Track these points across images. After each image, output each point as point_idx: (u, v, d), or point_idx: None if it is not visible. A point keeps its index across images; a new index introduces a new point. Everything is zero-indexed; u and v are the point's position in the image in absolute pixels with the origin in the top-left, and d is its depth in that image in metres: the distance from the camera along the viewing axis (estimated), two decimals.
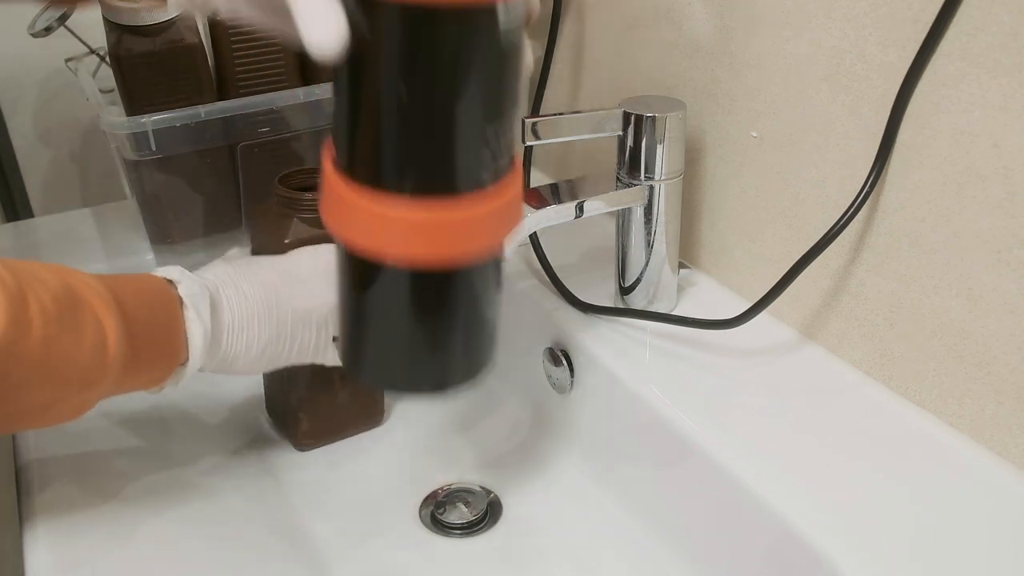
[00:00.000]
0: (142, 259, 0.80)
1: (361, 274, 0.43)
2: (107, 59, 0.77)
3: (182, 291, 0.53)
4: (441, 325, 0.44)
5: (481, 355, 0.46)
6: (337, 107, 0.41)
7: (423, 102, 0.39)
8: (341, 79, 0.40)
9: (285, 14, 0.41)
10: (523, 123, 0.59)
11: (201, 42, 0.72)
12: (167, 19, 0.70)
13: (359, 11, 0.38)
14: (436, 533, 0.59)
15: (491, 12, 0.38)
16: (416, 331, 0.44)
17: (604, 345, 0.63)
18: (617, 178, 0.63)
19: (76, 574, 0.51)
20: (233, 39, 0.72)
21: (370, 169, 0.40)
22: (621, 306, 0.66)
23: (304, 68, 0.77)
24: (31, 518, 0.55)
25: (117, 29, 0.69)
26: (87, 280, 0.49)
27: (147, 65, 0.70)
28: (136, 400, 0.68)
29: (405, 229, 0.40)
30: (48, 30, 0.76)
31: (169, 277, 0.53)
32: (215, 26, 0.72)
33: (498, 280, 0.45)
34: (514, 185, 0.42)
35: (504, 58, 0.40)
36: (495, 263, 0.44)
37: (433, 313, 0.43)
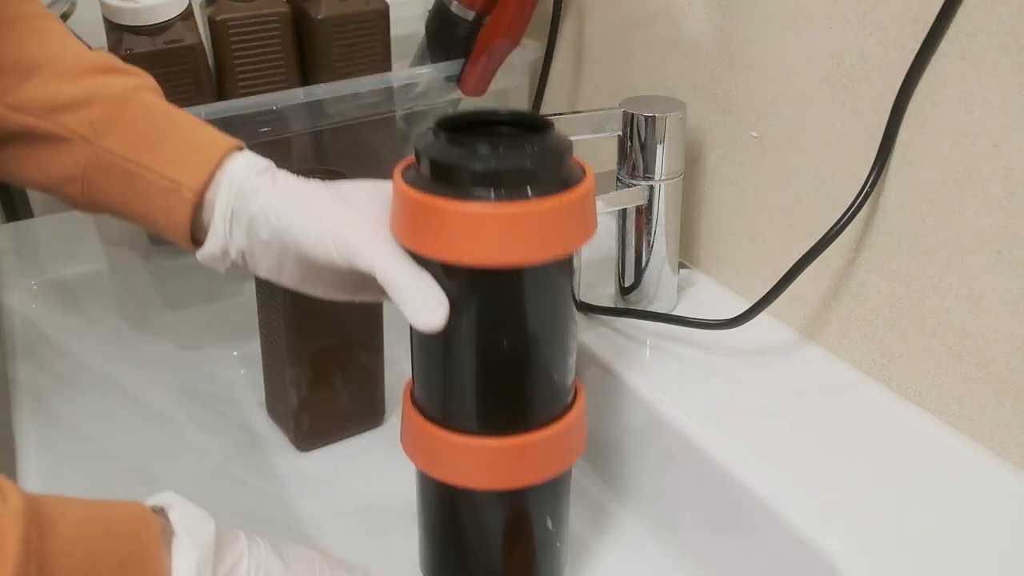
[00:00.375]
0: (142, 259, 0.80)
1: (450, 501, 0.49)
2: None
3: (173, 516, 0.40)
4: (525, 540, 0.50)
5: (552, 565, 0.52)
6: (423, 361, 0.47)
7: (511, 356, 0.45)
8: (431, 342, 0.45)
9: (364, 286, 0.46)
10: None
11: (201, 42, 0.72)
12: (167, 19, 0.70)
13: (448, 279, 0.43)
14: None
15: (567, 262, 0.45)
16: (501, 547, 0.49)
17: (604, 345, 0.63)
18: (617, 178, 0.63)
19: None
20: (233, 39, 0.72)
21: (462, 418, 0.46)
22: (621, 306, 0.66)
23: (304, 68, 0.77)
24: None
25: (117, 29, 0.69)
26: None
27: (147, 65, 0.69)
28: (136, 400, 0.68)
29: (493, 465, 0.46)
30: None
31: (160, 504, 0.41)
32: (215, 26, 0.72)
33: (567, 493, 0.51)
34: (575, 411, 0.48)
35: (574, 299, 0.46)
36: (567, 481, 0.50)
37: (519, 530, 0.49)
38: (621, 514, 0.61)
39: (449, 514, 0.50)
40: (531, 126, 0.45)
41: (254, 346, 0.77)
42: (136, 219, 0.50)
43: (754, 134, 0.62)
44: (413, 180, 0.43)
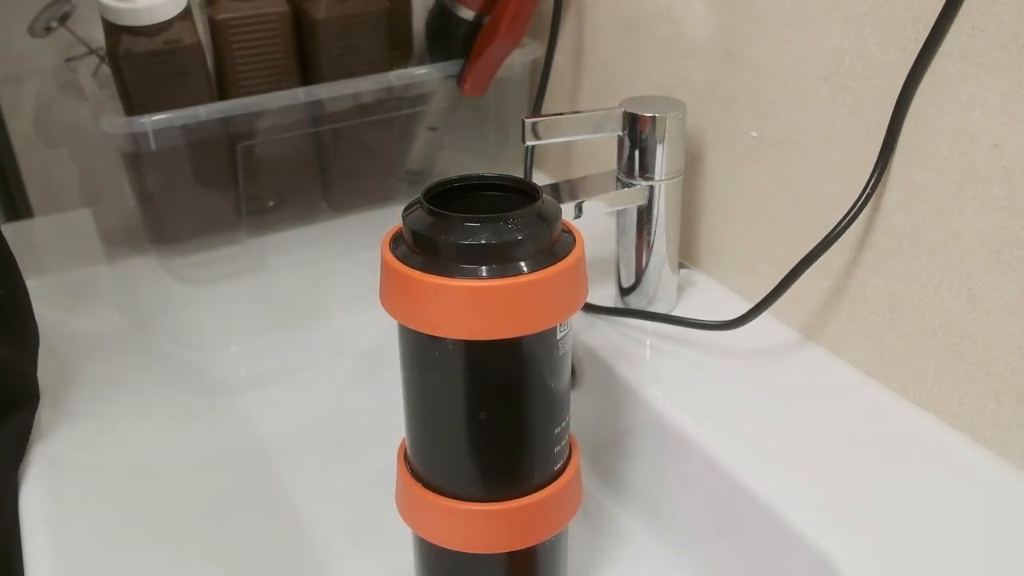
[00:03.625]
0: (142, 259, 0.80)
1: (443, 561, 0.49)
2: (107, 59, 0.77)
3: None
4: None
5: None
6: (416, 428, 0.47)
7: (501, 424, 0.45)
8: (424, 410, 0.46)
9: None
10: (523, 123, 0.59)
11: (199, 42, 0.72)
12: (165, 19, 0.69)
13: (437, 350, 0.43)
14: None
15: (553, 332, 0.44)
16: None
17: (604, 345, 0.63)
18: (617, 178, 0.63)
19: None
20: (233, 39, 0.72)
21: (457, 484, 0.46)
22: (621, 306, 0.66)
23: (304, 68, 0.77)
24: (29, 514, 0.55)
25: (116, 30, 0.69)
26: None
27: (146, 65, 0.70)
28: (136, 400, 0.68)
29: (489, 530, 0.47)
30: (48, 30, 0.76)
31: None
32: (215, 26, 0.72)
33: (564, 548, 0.51)
34: (570, 471, 0.48)
35: (565, 366, 0.47)
36: (564, 538, 0.51)
37: None
38: (621, 514, 0.61)
39: (446, 573, 0.50)
40: (520, 192, 0.45)
41: (254, 346, 0.77)
42: None
43: (754, 134, 0.62)
44: (401, 252, 0.43)
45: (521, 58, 0.81)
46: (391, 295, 0.43)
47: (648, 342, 0.63)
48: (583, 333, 0.64)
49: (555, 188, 0.62)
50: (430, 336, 0.43)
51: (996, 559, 0.46)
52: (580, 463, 0.50)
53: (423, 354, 0.44)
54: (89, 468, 0.60)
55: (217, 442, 0.65)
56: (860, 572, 0.45)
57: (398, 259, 0.43)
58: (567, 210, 0.60)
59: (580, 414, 0.65)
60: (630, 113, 0.60)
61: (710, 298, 0.68)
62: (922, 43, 0.49)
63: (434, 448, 0.46)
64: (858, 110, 0.55)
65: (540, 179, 0.87)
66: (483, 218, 0.41)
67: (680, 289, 0.67)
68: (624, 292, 0.66)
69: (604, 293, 0.68)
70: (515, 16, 0.75)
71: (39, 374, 0.62)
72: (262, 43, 0.74)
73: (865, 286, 0.57)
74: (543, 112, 0.77)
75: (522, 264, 0.42)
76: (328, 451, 0.66)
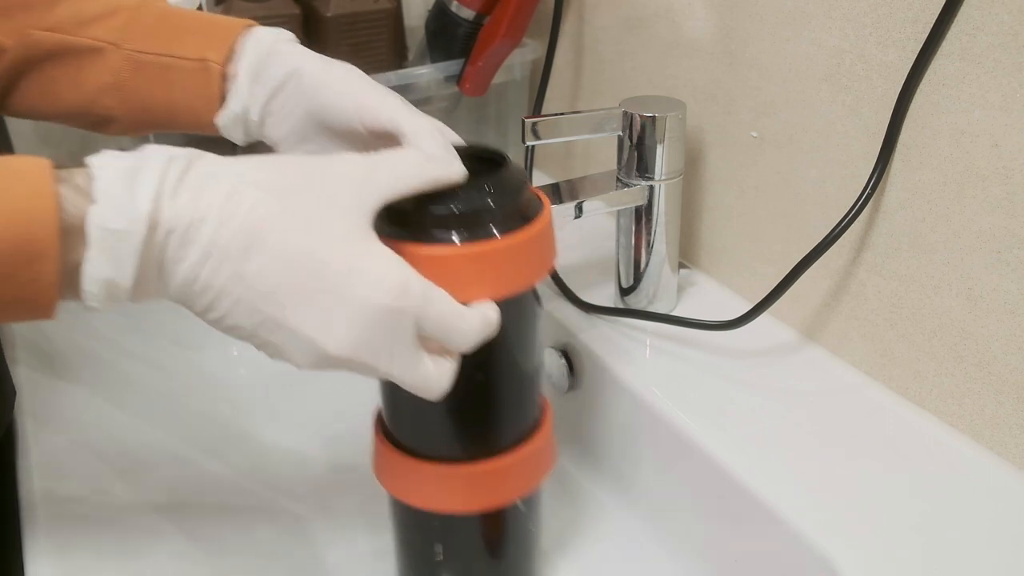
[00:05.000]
0: None
1: (421, 523, 0.50)
2: None
3: (92, 217, 0.35)
4: (498, 553, 0.51)
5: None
6: (391, 393, 0.48)
7: (476, 386, 0.45)
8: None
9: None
10: (523, 123, 0.59)
11: None
12: None
13: None
14: None
15: (528, 295, 0.46)
16: (476, 566, 0.51)
17: (604, 345, 0.63)
18: (617, 178, 0.63)
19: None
20: None
21: (433, 447, 0.47)
22: (621, 306, 0.66)
23: None
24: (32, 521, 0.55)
25: None
26: None
27: None
28: (136, 400, 0.68)
29: (464, 491, 0.47)
30: None
31: (90, 166, 0.36)
32: None
33: (537, 516, 0.52)
34: (543, 432, 0.49)
35: (538, 330, 0.48)
36: (539, 497, 0.52)
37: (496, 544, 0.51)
38: (621, 514, 0.61)
39: (423, 535, 0.50)
40: (488, 159, 0.46)
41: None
42: (172, 113, 0.52)
43: (754, 134, 0.62)
44: (376, 224, 0.42)
45: (521, 58, 0.81)
46: None
47: (648, 342, 0.63)
48: (583, 333, 0.64)
49: (555, 188, 0.62)
50: None
51: (996, 558, 0.46)
52: (552, 425, 0.50)
53: None
54: (88, 468, 0.60)
55: (217, 442, 0.65)
56: (860, 572, 0.45)
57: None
58: (567, 210, 0.60)
59: (580, 414, 0.65)
60: (630, 113, 0.60)
61: (710, 298, 0.68)
62: (922, 43, 0.49)
63: (408, 412, 0.47)
64: (858, 110, 0.55)
65: (540, 179, 0.87)
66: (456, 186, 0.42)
67: (680, 289, 0.67)
68: (624, 292, 0.66)
69: (604, 293, 0.68)
70: (515, 16, 0.75)
71: (35, 373, 0.62)
72: None
73: (865, 286, 0.57)
74: (543, 112, 0.77)
75: (493, 228, 0.42)
76: (328, 451, 0.66)
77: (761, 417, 0.55)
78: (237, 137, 0.52)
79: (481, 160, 0.46)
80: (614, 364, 0.61)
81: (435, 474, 0.47)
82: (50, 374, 0.67)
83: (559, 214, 0.60)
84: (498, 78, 0.79)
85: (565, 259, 0.70)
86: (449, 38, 0.77)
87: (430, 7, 0.79)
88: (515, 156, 0.81)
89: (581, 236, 0.75)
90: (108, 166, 0.36)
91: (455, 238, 0.41)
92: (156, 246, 0.36)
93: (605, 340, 0.63)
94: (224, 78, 0.50)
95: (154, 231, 0.35)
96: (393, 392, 0.47)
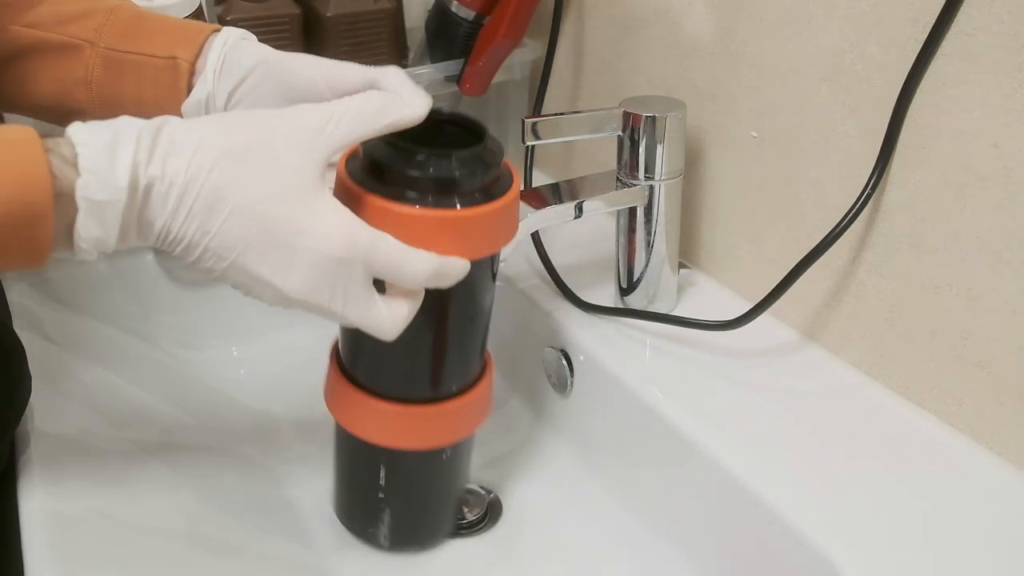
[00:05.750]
0: (143, 258, 0.80)
1: (363, 454, 0.54)
2: None
3: (81, 153, 0.40)
4: (427, 494, 0.56)
5: (427, 525, 0.57)
6: (351, 334, 0.51)
7: (433, 337, 0.50)
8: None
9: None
10: (523, 123, 0.59)
11: None
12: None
13: None
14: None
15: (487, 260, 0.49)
16: (401, 498, 0.55)
17: (604, 345, 0.63)
18: (617, 178, 0.63)
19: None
20: None
21: (375, 385, 0.51)
22: (621, 306, 0.66)
23: None
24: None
25: None
26: None
27: None
28: (136, 400, 0.68)
29: (395, 425, 0.52)
30: None
31: (72, 139, 0.40)
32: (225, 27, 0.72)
33: (458, 464, 0.56)
34: (484, 382, 0.53)
35: (491, 290, 0.52)
36: (466, 447, 0.56)
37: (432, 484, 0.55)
38: (621, 514, 0.61)
39: (366, 466, 0.55)
40: (471, 131, 0.49)
41: (254, 346, 0.77)
42: (140, 107, 0.54)
43: (754, 134, 0.62)
44: (353, 171, 0.47)
45: (521, 58, 0.81)
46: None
47: (648, 342, 0.63)
48: (583, 333, 0.64)
49: (555, 188, 0.62)
50: None
51: (996, 558, 0.46)
52: (493, 376, 0.55)
53: None
54: (88, 468, 0.60)
55: (217, 443, 0.65)
56: (860, 572, 0.45)
57: (349, 176, 0.46)
58: (567, 210, 0.60)
59: (580, 414, 0.65)
60: (630, 113, 0.60)
61: (710, 298, 0.68)
62: (922, 43, 0.49)
63: (373, 355, 0.51)
64: (858, 110, 0.55)
65: (540, 179, 0.87)
66: (429, 152, 0.45)
67: (680, 289, 0.67)
68: (624, 292, 0.66)
69: (604, 293, 0.68)
70: (515, 16, 0.75)
71: (33, 375, 0.62)
72: (271, 44, 0.73)
73: (865, 286, 0.57)
74: (543, 112, 0.77)
75: (456, 199, 0.45)
76: (328, 451, 0.66)
77: (761, 417, 0.55)
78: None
79: (465, 130, 0.49)
80: (614, 364, 0.61)
81: (379, 410, 0.51)
82: (50, 373, 0.67)
83: (559, 214, 0.60)
84: (498, 78, 0.79)
85: (565, 259, 0.70)
86: (449, 38, 0.77)
87: (430, 7, 0.79)
88: (515, 156, 0.82)
89: (581, 236, 0.75)
90: (89, 142, 0.40)
91: (420, 201, 0.45)
92: (135, 207, 0.41)
93: (605, 340, 0.63)
94: (192, 73, 0.53)
95: (133, 195, 0.40)
96: (349, 329, 0.51)
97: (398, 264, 0.44)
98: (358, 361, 0.52)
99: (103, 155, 0.40)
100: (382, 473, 0.54)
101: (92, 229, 0.40)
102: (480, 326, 0.52)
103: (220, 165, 0.41)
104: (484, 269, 0.50)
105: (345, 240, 0.42)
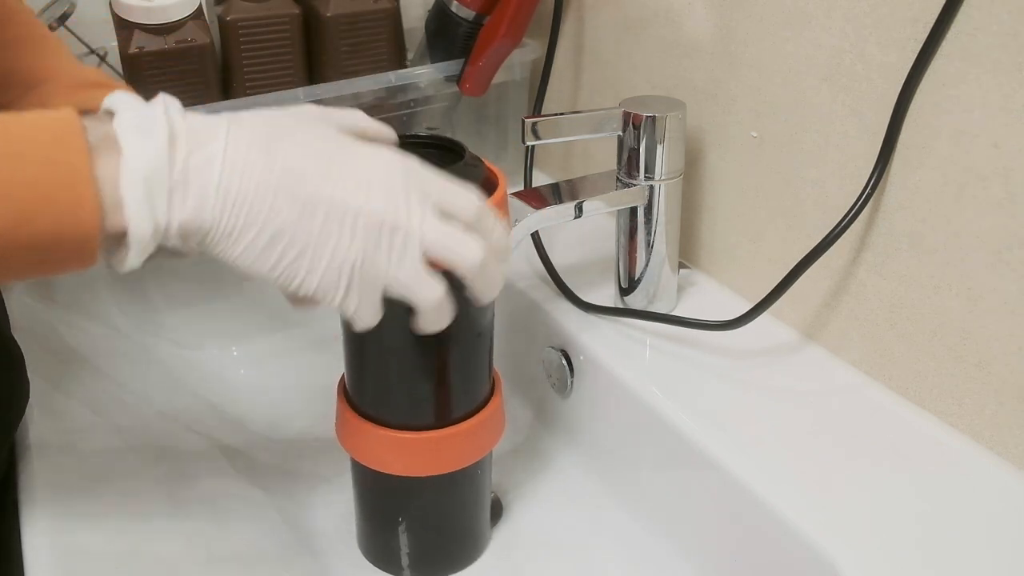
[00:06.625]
0: None
1: (374, 484, 0.54)
2: (107, 59, 0.77)
3: (118, 121, 0.38)
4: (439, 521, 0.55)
5: (458, 547, 0.57)
6: (356, 365, 0.52)
7: (438, 361, 0.50)
8: (364, 348, 0.50)
9: None
10: (523, 123, 0.59)
11: (212, 42, 0.72)
12: (179, 18, 0.70)
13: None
14: None
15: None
16: (412, 523, 0.55)
17: (604, 345, 0.63)
18: (617, 178, 0.63)
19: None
20: (243, 39, 0.72)
21: (385, 415, 0.51)
22: (621, 306, 0.66)
23: (312, 67, 0.77)
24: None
25: (128, 26, 0.69)
26: None
27: (157, 64, 0.70)
28: (136, 400, 0.68)
29: (408, 455, 0.52)
30: (49, 29, 0.76)
31: (108, 107, 0.40)
32: (225, 26, 0.72)
33: (479, 485, 0.56)
34: (494, 403, 0.53)
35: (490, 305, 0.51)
36: (483, 466, 0.55)
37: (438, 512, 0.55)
38: (621, 515, 0.61)
39: (383, 497, 0.55)
40: (451, 150, 0.50)
41: (254, 346, 0.77)
42: None
43: (754, 134, 0.62)
44: None
45: (521, 58, 0.81)
46: None
47: (648, 342, 0.63)
48: (583, 333, 0.64)
49: (555, 188, 0.62)
50: None
51: (996, 558, 0.46)
52: (502, 397, 0.54)
53: None
54: (88, 468, 0.60)
55: (218, 443, 0.65)
56: (860, 572, 0.45)
57: None
58: (567, 210, 0.60)
59: (580, 414, 0.65)
60: (630, 113, 0.60)
61: (710, 298, 0.68)
62: (922, 43, 0.49)
63: (371, 380, 0.51)
64: (858, 110, 0.55)
65: (540, 179, 0.87)
66: None
67: (680, 289, 0.67)
68: (624, 292, 0.66)
69: (604, 293, 0.68)
70: (515, 16, 0.75)
71: (33, 375, 0.62)
72: (271, 44, 0.74)
73: (865, 286, 0.57)
74: (543, 112, 0.77)
75: None
76: (329, 451, 0.66)
77: (761, 417, 0.55)
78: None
79: (446, 150, 0.50)
80: (614, 364, 0.61)
81: (389, 439, 0.51)
82: (50, 373, 0.67)
83: (559, 214, 0.60)
84: (498, 78, 0.79)
85: (565, 259, 0.70)
86: (449, 38, 0.77)
87: (430, 7, 0.79)
88: (515, 156, 0.82)
89: (581, 236, 0.75)
90: (132, 185, 0.37)
91: None
92: (171, 234, 0.39)
93: (605, 340, 0.63)
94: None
95: (168, 231, 0.39)
96: (355, 360, 0.52)
97: (452, 194, 0.43)
98: (366, 392, 0.52)
99: (145, 202, 0.38)
100: (402, 502, 0.54)
101: (136, 260, 0.39)
102: (485, 343, 0.52)
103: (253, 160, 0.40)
104: None
105: (399, 164, 0.42)
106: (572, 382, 0.65)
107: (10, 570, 0.53)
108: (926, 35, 0.49)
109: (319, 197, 0.40)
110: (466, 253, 0.43)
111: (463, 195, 0.43)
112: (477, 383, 0.53)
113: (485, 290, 0.45)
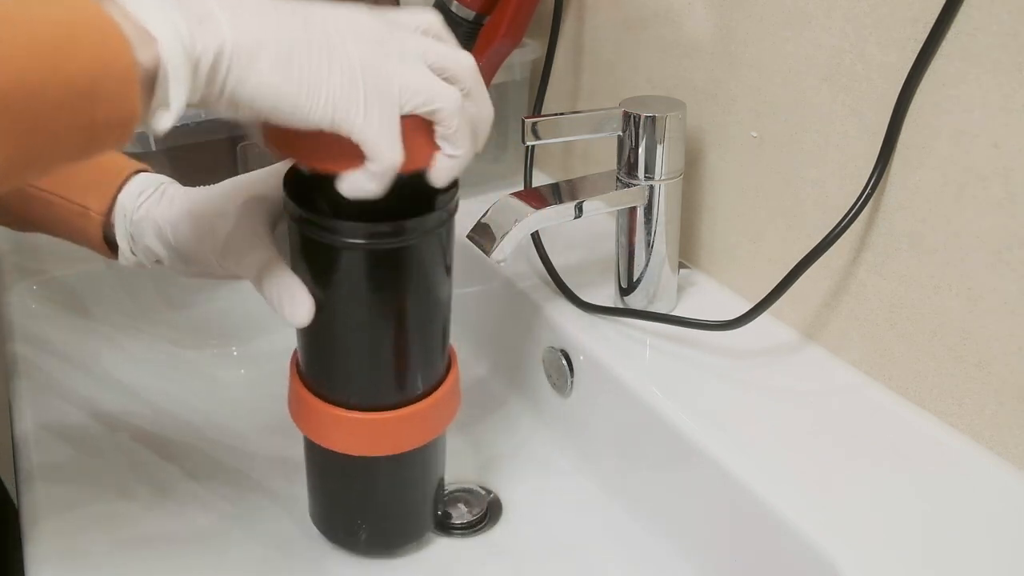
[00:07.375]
0: None
1: (327, 461, 0.54)
2: None
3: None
4: (387, 497, 0.55)
5: (404, 527, 0.57)
6: (309, 344, 0.51)
7: (391, 333, 0.49)
8: (314, 329, 0.49)
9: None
10: (523, 123, 0.59)
11: None
12: None
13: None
14: (436, 533, 0.59)
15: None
16: (362, 501, 0.54)
17: (604, 345, 0.63)
18: (617, 178, 0.63)
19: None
20: None
21: (338, 395, 0.51)
22: (621, 306, 0.66)
23: None
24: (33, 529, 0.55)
25: None
26: None
27: None
28: (136, 400, 0.68)
29: (361, 434, 0.51)
30: None
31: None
32: None
33: (430, 463, 0.56)
34: (449, 381, 0.53)
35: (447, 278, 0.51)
36: (437, 445, 0.55)
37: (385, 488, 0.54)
38: (621, 514, 0.61)
39: (335, 474, 0.54)
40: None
41: (254, 346, 0.77)
42: (59, 236, 0.57)
43: (754, 134, 0.62)
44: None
45: (521, 58, 0.81)
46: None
47: (648, 342, 0.63)
48: (583, 333, 0.64)
49: (555, 188, 0.62)
50: (328, 245, 0.46)
51: (996, 558, 0.46)
52: (458, 374, 0.54)
53: (322, 262, 0.48)
54: (88, 468, 0.60)
55: (217, 442, 0.65)
56: (860, 572, 0.45)
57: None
58: (567, 210, 0.60)
59: (580, 414, 0.65)
60: (630, 113, 0.60)
61: (710, 298, 0.68)
62: (922, 43, 0.50)
63: (324, 357, 0.51)
64: (858, 110, 0.55)
65: (540, 179, 0.87)
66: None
67: (680, 289, 0.67)
68: (624, 292, 0.66)
69: (604, 293, 0.68)
70: (515, 16, 0.75)
71: (32, 376, 0.62)
72: None
73: (865, 286, 0.57)
74: (543, 112, 0.77)
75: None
76: None
77: (761, 417, 0.55)
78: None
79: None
80: (614, 364, 0.61)
81: (341, 419, 0.51)
82: (50, 373, 0.67)
83: (559, 214, 0.60)
84: (498, 78, 0.79)
85: (565, 259, 0.70)
86: None
87: (430, 7, 0.79)
88: (515, 156, 0.82)
89: (581, 236, 0.75)
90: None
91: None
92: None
93: (605, 340, 0.63)
94: (105, 226, 0.54)
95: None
96: (306, 335, 0.51)
97: (442, 47, 0.43)
98: (318, 370, 0.51)
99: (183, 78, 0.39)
100: (353, 480, 0.54)
101: (169, 120, 0.40)
102: (438, 322, 0.51)
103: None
104: (436, 256, 0.49)
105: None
106: (572, 382, 0.65)
107: (11, 569, 0.53)
108: (926, 35, 0.49)
109: (313, 14, 0.41)
110: (462, 59, 0.43)
111: (453, 50, 0.44)
112: (430, 363, 0.52)
113: (463, 141, 0.43)
